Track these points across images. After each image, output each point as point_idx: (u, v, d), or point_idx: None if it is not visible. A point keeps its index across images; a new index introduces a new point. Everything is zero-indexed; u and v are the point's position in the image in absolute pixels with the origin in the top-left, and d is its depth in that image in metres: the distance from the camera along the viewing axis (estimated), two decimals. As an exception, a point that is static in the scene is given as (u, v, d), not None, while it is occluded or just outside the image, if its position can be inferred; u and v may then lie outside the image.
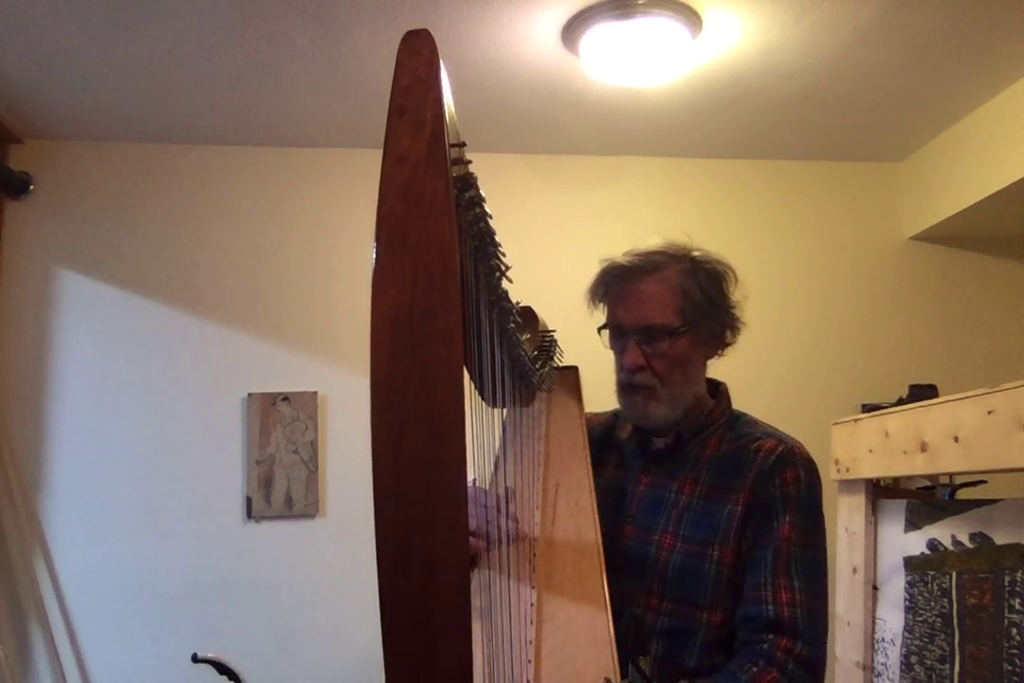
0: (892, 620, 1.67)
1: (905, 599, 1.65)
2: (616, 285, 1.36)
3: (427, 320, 0.63)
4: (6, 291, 2.86)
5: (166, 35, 2.31)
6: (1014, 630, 1.35)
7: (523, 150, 3.14)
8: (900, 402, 2.68)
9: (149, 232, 2.97)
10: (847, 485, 1.86)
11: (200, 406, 2.89)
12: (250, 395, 2.90)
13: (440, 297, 0.63)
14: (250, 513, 2.85)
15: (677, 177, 3.24)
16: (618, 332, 1.37)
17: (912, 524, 1.66)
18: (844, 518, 1.86)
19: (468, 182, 0.79)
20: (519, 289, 1.08)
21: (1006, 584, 1.40)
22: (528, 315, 1.43)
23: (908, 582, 1.64)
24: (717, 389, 1.44)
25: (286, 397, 2.91)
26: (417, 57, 0.67)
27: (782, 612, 1.21)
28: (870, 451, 1.73)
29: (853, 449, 1.81)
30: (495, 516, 1.19)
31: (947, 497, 1.90)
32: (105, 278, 2.93)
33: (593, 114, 2.85)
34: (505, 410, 1.43)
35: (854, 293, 3.23)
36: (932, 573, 1.58)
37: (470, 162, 0.77)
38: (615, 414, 1.55)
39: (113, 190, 2.97)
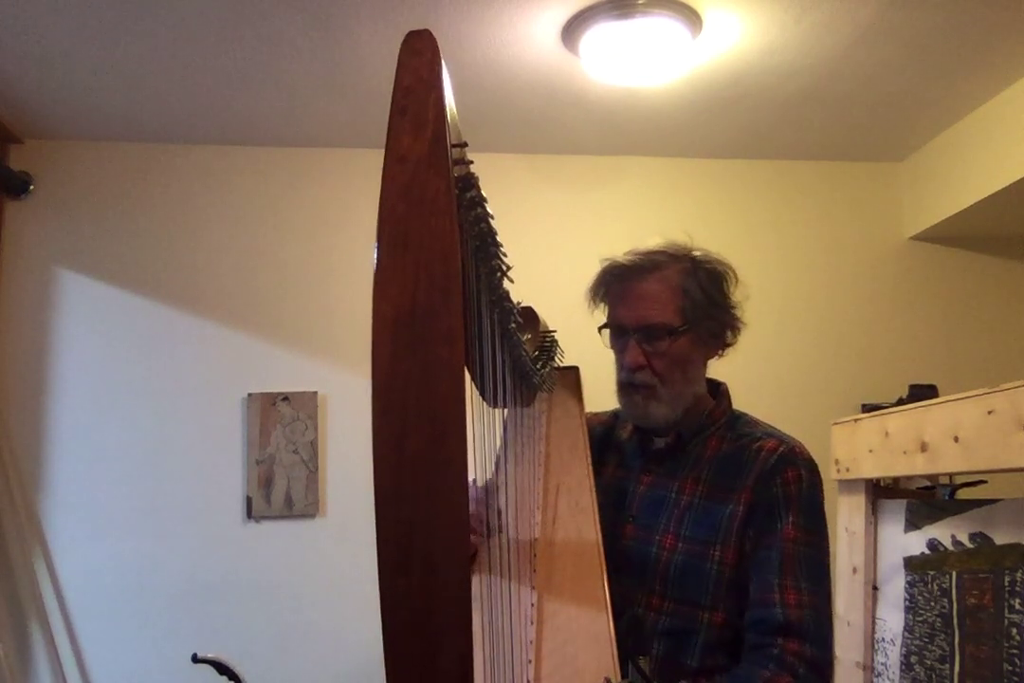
0: (892, 620, 1.67)
1: (905, 599, 1.65)
2: (617, 284, 1.36)
3: (428, 320, 0.63)
4: (6, 291, 2.86)
5: (166, 35, 2.31)
6: (1014, 630, 1.35)
7: (523, 150, 3.14)
8: (900, 402, 2.68)
9: (149, 232, 2.97)
10: (847, 485, 1.86)
11: (200, 406, 2.89)
12: (250, 395, 2.90)
13: (442, 297, 0.63)
14: (250, 513, 2.85)
15: (677, 177, 3.24)
16: (618, 331, 1.37)
17: (912, 524, 1.66)
18: (844, 518, 1.87)
19: (469, 182, 0.79)
20: (519, 289, 1.08)
21: (1006, 584, 1.40)
22: (529, 315, 1.43)
23: (908, 582, 1.64)
24: (717, 389, 1.44)
25: (286, 397, 2.91)
26: (419, 57, 0.67)
27: (790, 615, 1.21)
28: (870, 451, 1.73)
29: (853, 449, 1.81)
30: (493, 514, 1.19)
31: (947, 497, 1.90)
32: (105, 278, 2.93)
33: (593, 114, 2.85)
34: (506, 410, 1.43)
35: (854, 293, 3.23)
36: (932, 573, 1.58)
37: (471, 162, 0.77)
38: (615, 414, 1.55)
39: (113, 190, 2.97)
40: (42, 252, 2.91)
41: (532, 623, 1.13)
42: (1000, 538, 1.44)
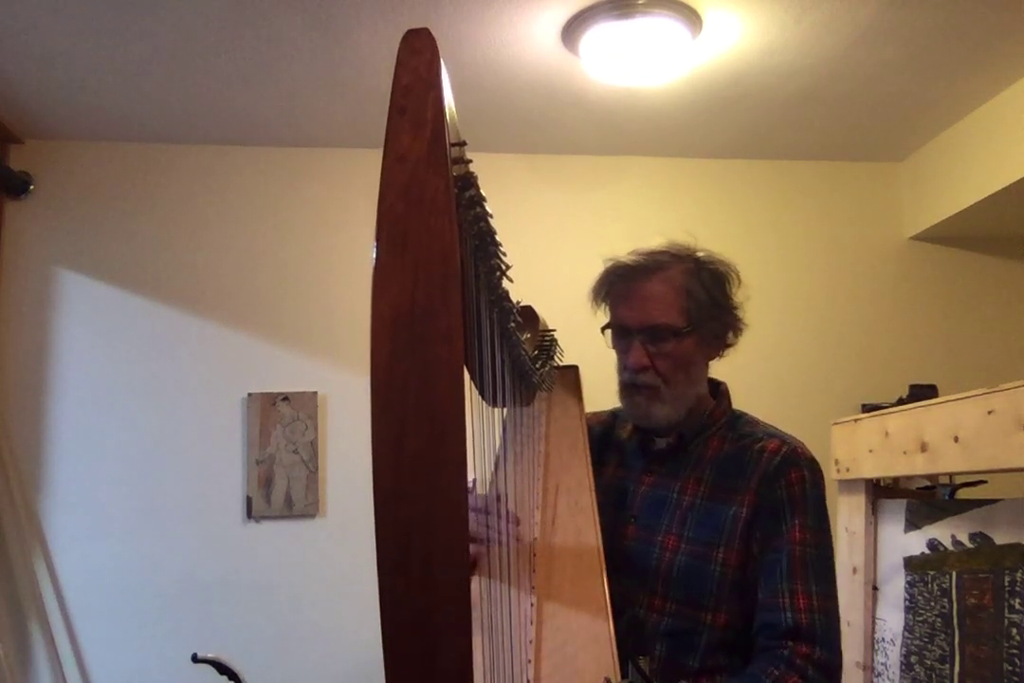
0: (892, 620, 1.67)
1: (905, 599, 1.65)
2: (620, 284, 1.36)
3: (428, 319, 0.63)
4: (6, 291, 2.86)
5: (166, 35, 2.31)
6: (1014, 630, 1.35)
7: (523, 150, 3.14)
8: (900, 402, 2.67)
9: (149, 232, 2.97)
10: (847, 485, 1.86)
11: (200, 406, 2.89)
12: (250, 395, 2.90)
13: (441, 296, 0.63)
14: (250, 513, 2.85)
15: (677, 177, 3.24)
16: (622, 332, 1.36)
17: (912, 524, 1.66)
18: (844, 518, 1.87)
19: (468, 181, 0.79)
20: (519, 289, 1.07)
21: (1006, 584, 1.40)
22: (528, 315, 1.43)
23: (908, 582, 1.64)
24: (717, 389, 1.44)
25: (286, 397, 2.91)
26: (418, 56, 0.67)
27: (800, 619, 1.21)
28: (870, 451, 1.73)
29: (853, 449, 1.81)
30: (492, 520, 1.19)
31: (947, 497, 1.90)
32: (105, 278, 2.93)
33: (593, 114, 2.85)
34: (505, 409, 1.43)
35: (854, 293, 3.23)
36: (932, 573, 1.58)
37: (470, 161, 0.77)
38: (614, 413, 1.55)
39: (113, 190, 2.97)
40: (42, 252, 2.91)
41: (532, 623, 1.13)
42: (1000, 538, 1.44)
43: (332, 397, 2.95)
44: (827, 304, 3.22)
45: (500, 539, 1.18)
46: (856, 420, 1.84)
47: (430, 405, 0.62)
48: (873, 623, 1.75)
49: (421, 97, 0.66)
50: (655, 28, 2.26)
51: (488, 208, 0.83)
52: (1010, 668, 1.35)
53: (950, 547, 1.56)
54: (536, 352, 1.46)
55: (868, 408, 2.78)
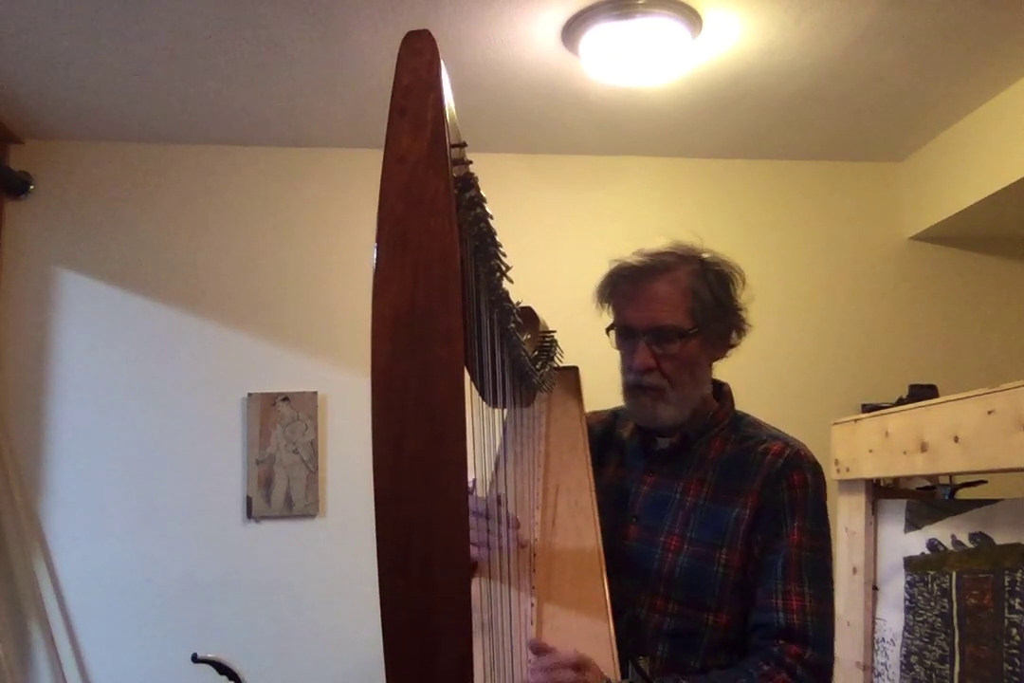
0: (892, 620, 1.67)
1: (905, 599, 1.65)
2: (625, 285, 1.35)
3: (428, 320, 0.63)
4: (6, 291, 2.86)
5: (166, 35, 2.31)
6: (1014, 630, 1.35)
7: (523, 150, 3.14)
8: (900, 402, 2.67)
9: (149, 232, 2.97)
10: (847, 485, 1.86)
11: (200, 406, 2.89)
12: (250, 395, 2.90)
13: (441, 297, 0.63)
14: (250, 513, 2.85)
15: (677, 177, 3.24)
16: (627, 333, 1.36)
17: (912, 524, 1.66)
18: (844, 518, 1.87)
19: (469, 182, 0.79)
20: (519, 289, 1.08)
21: (1006, 584, 1.40)
22: (528, 315, 1.43)
23: (908, 582, 1.64)
24: (720, 390, 1.44)
25: (286, 397, 2.91)
26: (418, 57, 0.67)
27: (792, 620, 1.22)
28: (870, 451, 1.73)
29: (853, 449, 1.81)
30: (493, 524, 1.19)
31: (947, 497, 1.90)
32: (105, 278, 2.93)
33: (593, 114, 2.85)
34: (505, 410, 1.43)
35: (854, 293, 3.23)
36: (932, 573, 1.58)
37: (471, 162, 0.77)
38: (615, 413, 1.54)
39: (113, 190, 2.97)
40: (42, 252, 2.91)
41: (532, 623, 1.13)
42: (1000, 538, 1.44)
43: (332, 397, 2.95)
44: (827, 304, 3.22)
45: (500, 543, 1.18)
46: (856, 420, 1.84)
47: (430, 406, 0.62)
48: (873, 623, 1.75)
49: (421, 98, 0.66)
50: (655, 28, 2.26)
51: (488, 209, 0.84)
52: (1010, 668, 1.35)
53: (950, 547, 1.56)
54: (536, 353, 1.46)
55: (868, 408, 2.78)
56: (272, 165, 3.06)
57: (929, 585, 1.59)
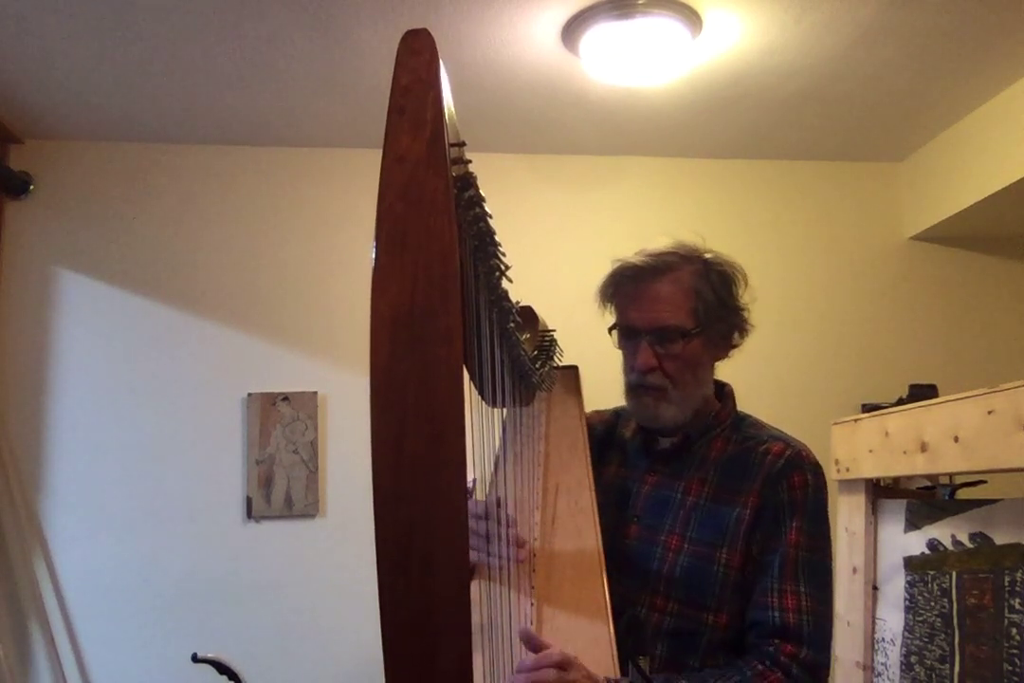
0: (892, 620, 1.67)
1: (905, 599, 1.65)
2: (628, 285, 1.35)
3: (427, 320, 0.63)
4: (6, 291, 2.86)
5: (165, 35, 2.31)
6: (1014, 630, 1.35)
7: (523, 150, 3.14)
8: (900, 402, 2.67)
9: (149, 232, 2.97)
10: (847, 485, 1.86)
11: (200, 406, 2.89)
12: (250, 395, 2.90)
13: (440, 297, 0.63)
14: (250, 513, 2.85)
15: (677, 177, 3.24)
16: (630, 333, 1.36)
17: (912, 524, 1.66)
18: (844, 518, 1.87)
19: (468, 182, 0.79)
20: (519, 289, 1.08)
21: (1006, 584, 1.40)
22: (528, 315, 1.43)
23: (908, 582, 1.64)
24: (722, 390, 1.44)
25: (286, 397, 2.91)
26: (417, 57, 0.67)
27: (788, 618, 1.22)
28: (870, 451, 1.73)
29: (853, 449, 1.81)
30: (492, 526, 1.19)
31: (947, 497, 1.90)
32: (105, 278, 2.93)
33: (593, 114, 2.85)
34: (505, 410, 1.43)
35: (854, 293, 3.23)
36: (932, 573, 1.58)
37: (470, 161, 0.77)
38: (617, 412, 1.54)
39: (113, 190, 2.97)
40: (42, 252, 2.91)
41: (531, 623, 1.13)
42: (1000, 538, 1.44)
43: (332, 397, 2.95)
44: (827, 304, 3.22)
45: (500, 545, 1.18)
46: (856, 420, 1.84)
47: (430, 405, 0.62)
48: (873, 623, 1.75)
49: (420, 97, 0.66)
50: (655, 28, 2.26)
51: (487, 208, 0.83)
52: (1010, 668, 1.35)
53: (950, 547, 1.56)
54: (536, 352, 1.46)
55: (868, 408, 2.78)
56: (272, 165, 3.06)
57: (929, 585, 1.59)
